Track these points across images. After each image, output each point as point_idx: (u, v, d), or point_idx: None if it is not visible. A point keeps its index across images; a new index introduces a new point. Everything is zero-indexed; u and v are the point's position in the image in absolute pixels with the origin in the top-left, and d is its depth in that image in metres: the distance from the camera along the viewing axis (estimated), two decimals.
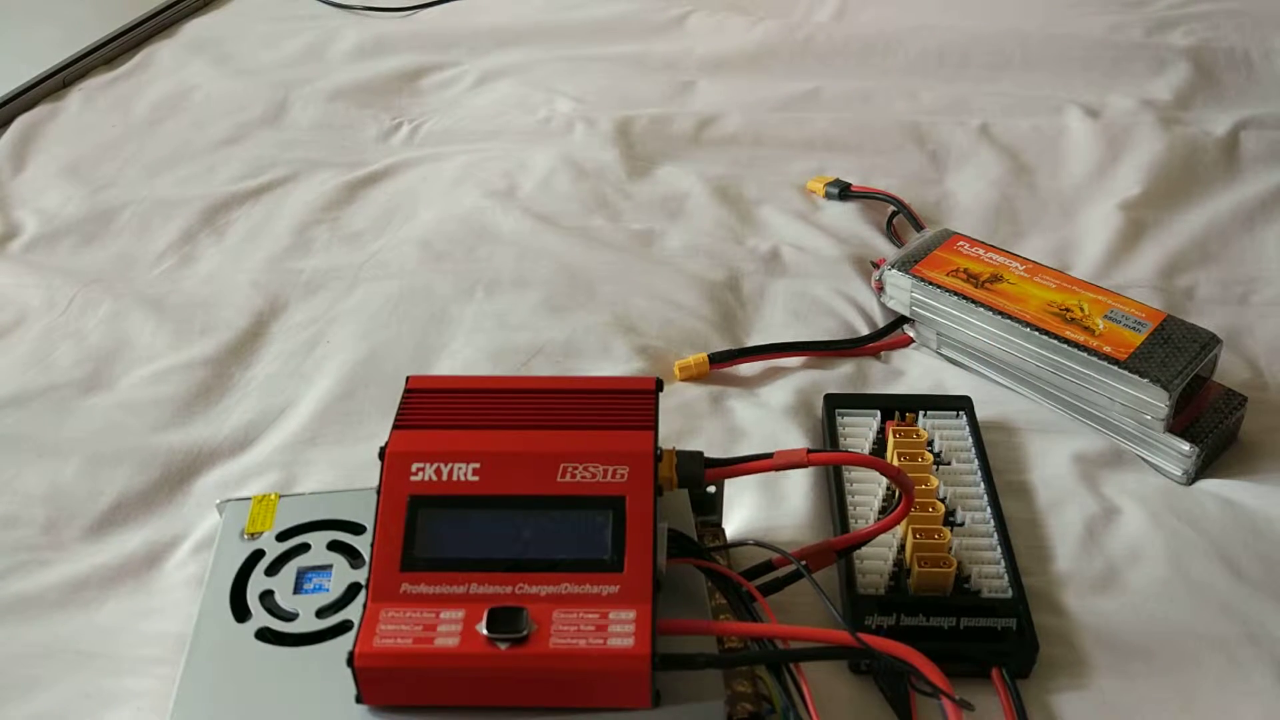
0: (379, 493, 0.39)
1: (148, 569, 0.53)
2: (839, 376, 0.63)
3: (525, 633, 0.36)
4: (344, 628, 0.41)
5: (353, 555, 0.44)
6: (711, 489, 0.48)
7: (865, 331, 0.66)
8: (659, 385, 0.43)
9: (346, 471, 0.57)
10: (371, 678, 0.37)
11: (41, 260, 0.75)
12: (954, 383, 0.62)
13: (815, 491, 0.55)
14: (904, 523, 0.50)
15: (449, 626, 0.37)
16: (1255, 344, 0.65)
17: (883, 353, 0.65)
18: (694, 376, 0.63)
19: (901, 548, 0.50)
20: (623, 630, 0.36)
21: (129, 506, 0.56)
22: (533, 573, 0.38)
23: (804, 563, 0.44)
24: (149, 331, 0.67)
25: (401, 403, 0.42)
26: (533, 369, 0.64)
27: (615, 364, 0.64)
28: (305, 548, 0.45)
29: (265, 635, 0.41)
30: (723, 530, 0.50)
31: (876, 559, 0.49)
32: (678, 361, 0.63)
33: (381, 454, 0.40)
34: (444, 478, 0.39)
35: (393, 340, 0.66)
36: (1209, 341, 0.57)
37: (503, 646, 0.36)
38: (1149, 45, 0.96)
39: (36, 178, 0.84)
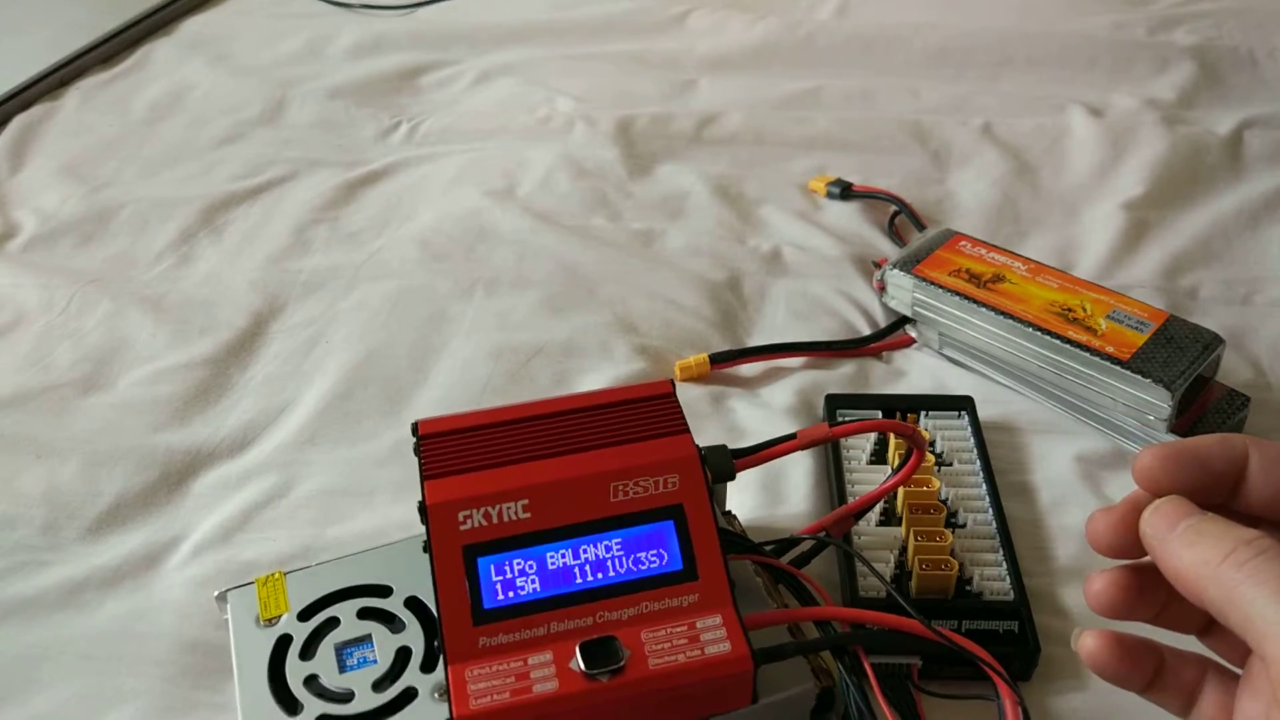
0: (428, 549, 0.38)
1: (147, 569, 0.53)
2: (840, 377, 0.63)
3: (622, 661, 0.36)
4: (408, 696, 0.39)
5: (389, 620, 0.42)
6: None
7: (867, 331, 0.66)
8: (673, 385, 0.43)
9: (346, 471, 0.57)
10: None
11: (40, 260, 0.75)
12: (956, 383, 0.62)
13: (817, 492, 0.55)
14: (905, 525, 0.49)
15: (541, 671, 0.36)
16: (1258, 344, 0.64)
17: (884, 353, 0.65)
18: (695, 377, 0.63)
19: (903, 550, 0.49)
20: (715, 636, 0.36)
21: (128, 507, 0.56)
22: (609, 599, 0.37)
23: (827, 532, 0.44)
24: (147, 331, 0.67)
25: (420, 451, 0.40)
26: (533, 369, 0.63)
27: (616, 364, 0.63)
28: (335, 622, 0.42)
29: None
30: (734, 515, 0.49)
31: (878, 561, 0.49)
32: (678, 362, 0.63)
33: (422, 509, 0.38)
34: (494, 520, 0.38)
35: (392, 340, 0.66)
36: (1212, 342, 0.57)
37: (604, 679, 0.36)
38: (1152, 44, 0.95)
39: (34, 177, 0.84)
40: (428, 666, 0.40)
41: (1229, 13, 1.00)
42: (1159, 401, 0.54)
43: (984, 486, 0.53)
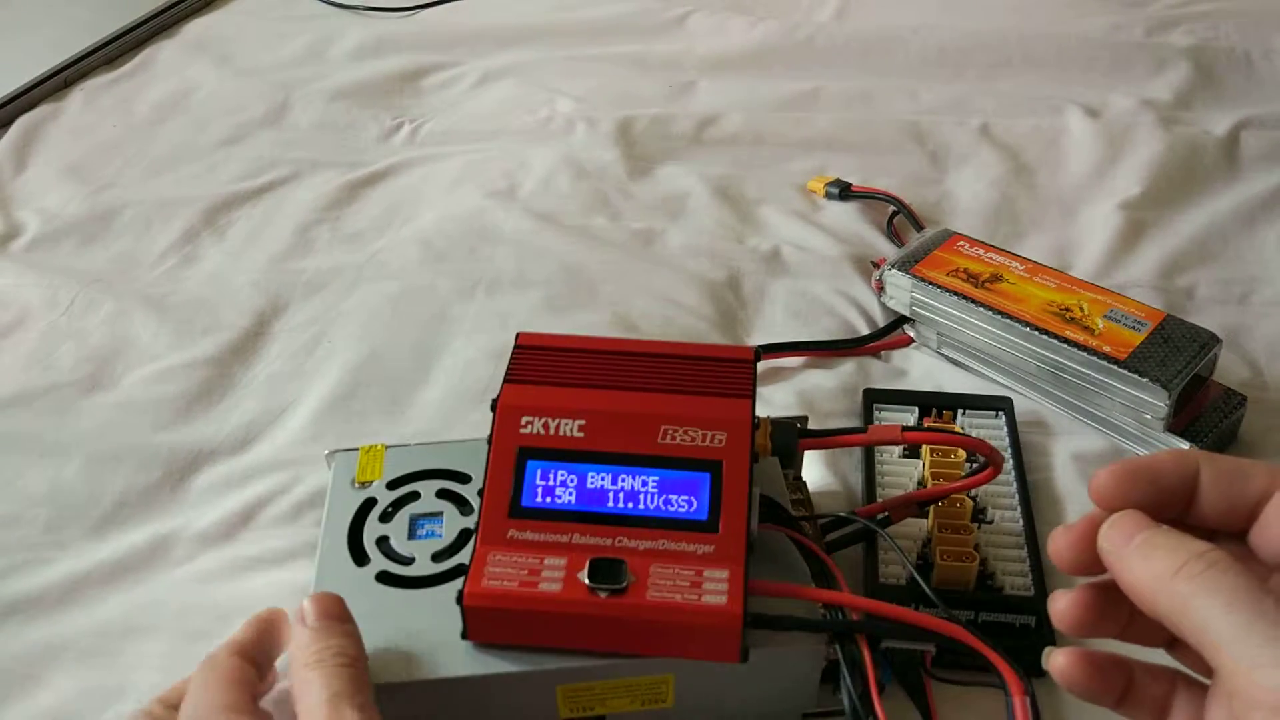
0: (490, 442, 0.41)
1: (149, 567, 0.53)
2: (840, 376, 0.63)
3: (624, 584, 0.38)
4: (459, 571, 0.43)
5: (461, 503, 0.46)
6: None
7: (866, 331, 0.66)
8: (757, 354, 0.44)
9: None
10: (478, 616, 0.39)
11: (43, 260, 0.75)
12: (954, 383, 0.62)
13: (829, 472, 0.56)
14: (931, 517, 0.50)
15: (552, 573, 0.39)
16: (1255, 344, 0.65)
17: (883, 352, 0.65)
18: None
19: (928, 541, 0.50)
20: (716, 588, 0.38)
21: (131, 505, 0.56)
22: (632, 528, 0.40)
23: (886, 514, 0.46)
24: (150, 331, 0.67)
25: (512, 357, 0.44)
26: None
27: None
28: (415, 496, 0.47)
29: (385, 578, 0.43)
30: (804, 482, 0.51)
31: (903, 550, 0.50)
32: None
33: (494, 406, 0.42)
34: (551, 432, 0.41)
35: (394, 340, 0.66)
36: (1209, 341, 0.57)
37: (602, 595, 0.38)
38: (1149, 45, 0.96)
39: (38, 178, 0.85)
40: None
41: (1226, 14, 1.00)
42: (1156, 401, 0.55)
43: (1015, 485, 0.53)
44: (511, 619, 0.38)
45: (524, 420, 0.41)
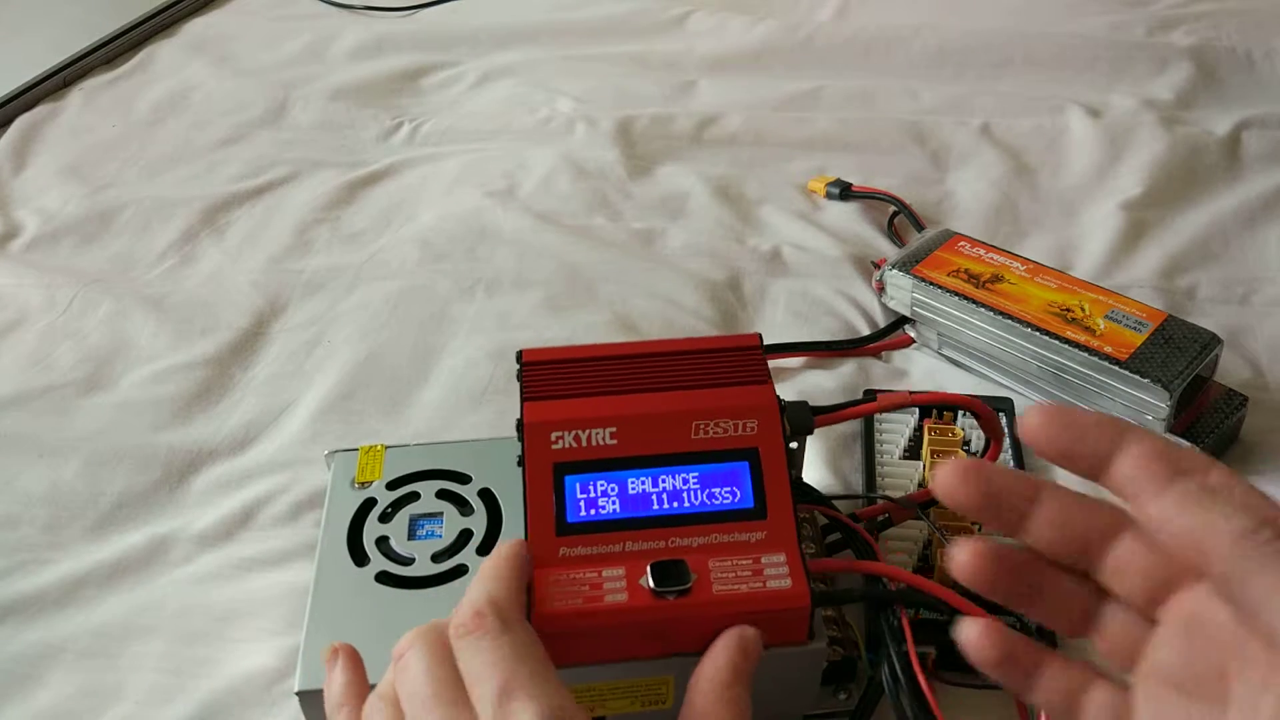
0: (522, 463, 0.40)
1: (148, 568, 0.53)
2: (840, 377, 0.63)
3: (689, 584, 0.38)
4: (459, 571, 0.43)
5: (461, 504, 0.46)
6: (794, 445, 0.49)
7: (866, 331, 0.66)
8: (760, 339, 0.44)
9: None
10: (547, 638, 0.37)
11: (42, 260, 0.75)
12: (955, 383, 0.62)
13: (831, 478, 0.55)
14: (932, 518, 0.50)
15: (614, 584, 0.38)
16: (1256, 344, 0.65)
17: (884, 353, 0.65)
18: None
19: (929, 542, 0.50)
20: (778, 572, 0.38)
21: (130, 506, 0.56)
22: (682, 526, 0.39)
23: (887, 516, 0.47)
24: (149, 331, 0.67)
25: (523, 376, 0.43)
26: None
27: None
28: (415, 496, 0.47)
29: (384, 578, 0.43)
30: (805, 484, 0.51)
31: (902, 552, 0.50)
32: None
33: (519, 426, 0.41)
34: (583, 443, 0.41)
35: (393, 340, 0.66)
36: (1210, 341, 0.57)
37: (670, 598, 0.38)
38: (1150, 45, 0.96)
39: (37, 177, 0.84)
40: (484, 550, 0.44)
41: (1227, 14, 1.00)
42: (1157, 401, 0.54)
43: None
44: (580, 636, 0.38)
45: (554, 436, 0.40)
